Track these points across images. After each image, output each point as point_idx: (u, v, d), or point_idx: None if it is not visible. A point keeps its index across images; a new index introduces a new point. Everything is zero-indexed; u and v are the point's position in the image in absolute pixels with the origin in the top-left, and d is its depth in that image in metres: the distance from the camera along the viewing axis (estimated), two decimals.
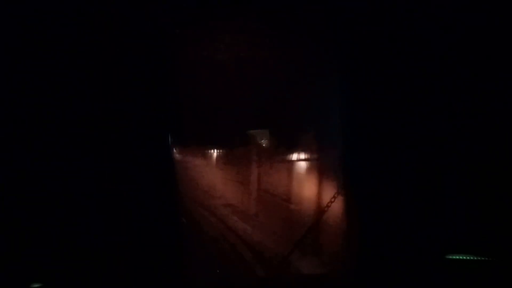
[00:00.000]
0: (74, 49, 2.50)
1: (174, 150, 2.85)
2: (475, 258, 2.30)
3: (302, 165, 3.15)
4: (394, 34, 2.52)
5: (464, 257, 2.32)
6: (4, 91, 2.45)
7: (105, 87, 2.56)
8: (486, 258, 2.28)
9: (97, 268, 2.45)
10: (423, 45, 2.48)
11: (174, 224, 2.64)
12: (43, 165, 2.45)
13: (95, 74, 2.54)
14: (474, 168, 2.39)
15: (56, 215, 2.45)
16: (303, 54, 2.84)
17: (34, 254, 2.42)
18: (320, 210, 2.87)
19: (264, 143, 3.18)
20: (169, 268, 2.53)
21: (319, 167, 3.02)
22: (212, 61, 2.86)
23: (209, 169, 3.26)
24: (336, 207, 2.80)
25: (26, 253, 2.41)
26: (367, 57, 2.55)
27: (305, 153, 3.12)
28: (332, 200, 2.84)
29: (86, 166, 2.50)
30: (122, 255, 2.51)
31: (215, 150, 3.32)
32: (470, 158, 2.40)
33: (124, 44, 2.56)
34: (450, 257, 2.34)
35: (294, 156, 3.16)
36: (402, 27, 2.49)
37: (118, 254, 2.51)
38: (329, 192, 2.86)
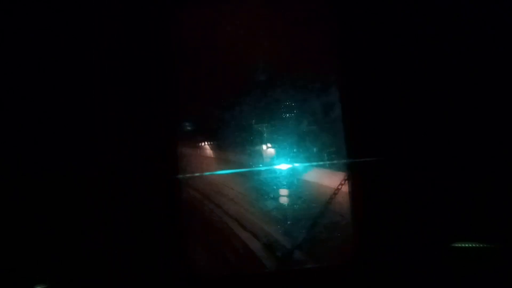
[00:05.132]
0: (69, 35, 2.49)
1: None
2: (481, 246, 2.30)
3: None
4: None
5: (470, 245, 2.32)
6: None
7: (104, 79, 2.56)
8: (492, 246, 2.29)
9: (98, 266, 2.45)
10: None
11: (176, 220, 2.64)
12: (45, 165, 2.45)
13: (91, 65, 2.54)
14: (480, 157, 2.39)
15: (59, 214, 2.45)
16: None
17: (38, 255, 2.42)
18: (326, 199, 2.87)
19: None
20: (171, 262, 2.54)
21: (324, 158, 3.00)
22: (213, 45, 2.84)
23: None
24: (342, 196, 2.80)
25: (30, 254, 2.41)
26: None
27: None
28: (336, 192, 2.84)
29: (88, 163, 2.50)
30: (125, 254, 2.51)
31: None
32: (477, 146, 2.40)
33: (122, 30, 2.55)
34: (456, 245, 2.35)
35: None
36: None
37: (121, 252, 2.50)
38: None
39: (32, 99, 2.47)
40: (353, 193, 2.69)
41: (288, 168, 3.04)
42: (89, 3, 2.53)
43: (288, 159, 3.01)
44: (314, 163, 3.02)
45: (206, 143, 3.29)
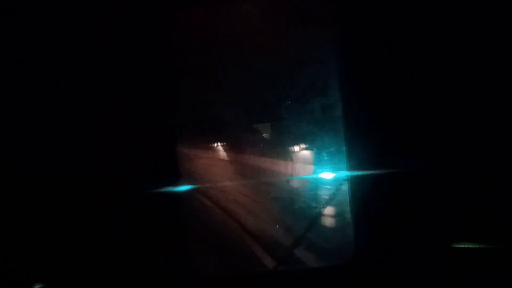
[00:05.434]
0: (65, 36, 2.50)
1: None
2: (481, 247, 2.30)
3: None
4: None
5: (470, 246, 2.32)
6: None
7: (104, 79, 2.56)
8: (492, 247, 2.29)
9: (97, 266, 2.46)
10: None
11: (177, 219, 2.64)
12: (45, 165, 2.45)
13: (91, 65, 2.54)
14: (480, 157, 2.38)
15: (58, 214, 2.46)
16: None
17: (38, 255, 2.43)
18: (326, 199, 2.85)
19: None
20: (171, 262, 2.54)
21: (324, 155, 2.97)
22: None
23: None
24: (342, 196, 2.79)
25: (30, 254, 2.42)
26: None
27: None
28: (336, 191, 2.83)
29: (88, 163, 2.50)
30: (125, 254, 2.51)
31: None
32: (477, 146, 2.39)
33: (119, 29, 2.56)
34: (456, 245, 2.35)
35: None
36: None
37: (121, 252, 2.51)
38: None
39: (32, 99, 2.48)
40: (353, 193, 2.69)
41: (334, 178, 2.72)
42: (89, 3, 2.53)
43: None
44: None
45: (216, 144, 3.24)
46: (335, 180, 2.74)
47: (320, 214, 2.87)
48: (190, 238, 2.71)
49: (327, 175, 2.73)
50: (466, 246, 2.33)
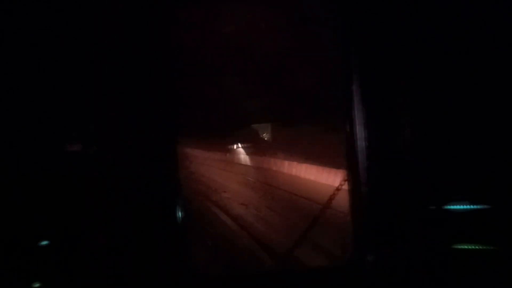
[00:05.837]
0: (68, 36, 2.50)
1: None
2: (482, 248, 2.30)
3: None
4: None
5: (471, 247, 2.32)
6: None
7: (104, 79, 2.57)
8: (493, 248, 2.28)
9: (97, 266, 2.46)
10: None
11: (175, 219, 2.64)
12: (45, 165, 2.46)
13: (91, 65, 2.54)
14: (480, 157, 2.37)
15: (59, 214, 2.46)
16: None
17: (37, 254, 2.43)
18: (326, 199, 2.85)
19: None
20: (171, 262, 2.54)
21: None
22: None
23: None
24: (342, 196, 2.79)
25: (29, 253, 2.42)
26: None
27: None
28: (336, 191, 2.83)
29: (85, 162, 2.51)
30: (123, 252, 2.51)
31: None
32: (477, 146, 2.39)
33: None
34: (457, 246, 2.35)
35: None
36: None
37: (121, 252, 2.51)
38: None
39: (32, 99, 2.48)
40: (353, 193, 2.68)
41: None
42: (89, 3, 2.53)
43: None
44: None
45: (235, 146, 3.19)
46: None
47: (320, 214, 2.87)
48: (189, 236, 2.72)
49: None
50: (467, 247, 2.32)
